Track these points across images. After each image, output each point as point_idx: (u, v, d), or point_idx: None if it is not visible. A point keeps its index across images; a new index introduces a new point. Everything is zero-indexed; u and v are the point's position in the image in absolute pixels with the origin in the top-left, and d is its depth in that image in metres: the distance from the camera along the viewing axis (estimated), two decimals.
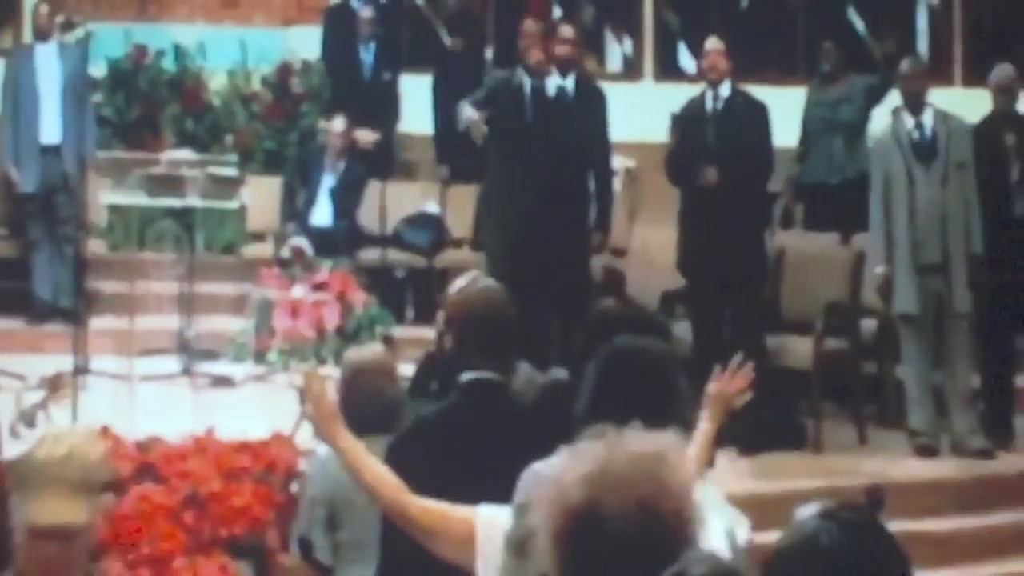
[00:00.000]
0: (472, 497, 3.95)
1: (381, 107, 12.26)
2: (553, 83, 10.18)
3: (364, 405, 5.76)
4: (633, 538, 2.62)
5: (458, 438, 4.51)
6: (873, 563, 2.58)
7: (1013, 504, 9.13)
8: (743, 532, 4.02)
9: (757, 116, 9.68)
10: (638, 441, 2.71)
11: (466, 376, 4.58)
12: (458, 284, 4.74)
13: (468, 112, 10.04)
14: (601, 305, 5.27)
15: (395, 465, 4.23)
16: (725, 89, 9.69)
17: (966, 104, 10.52)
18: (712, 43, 9.81)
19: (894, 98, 10.01)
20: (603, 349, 3.71)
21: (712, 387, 4.61)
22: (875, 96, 11.18)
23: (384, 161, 12.12)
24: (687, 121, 9.90)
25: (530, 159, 9.94)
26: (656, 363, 3.64)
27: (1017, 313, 9.79)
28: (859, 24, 13.21)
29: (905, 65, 10.00)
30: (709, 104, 9.69)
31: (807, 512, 2.66)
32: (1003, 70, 10.17)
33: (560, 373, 6.53)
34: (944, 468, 9.39)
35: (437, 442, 4.52)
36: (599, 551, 2.63)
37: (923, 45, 13.47)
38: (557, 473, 2.69)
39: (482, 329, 4.57)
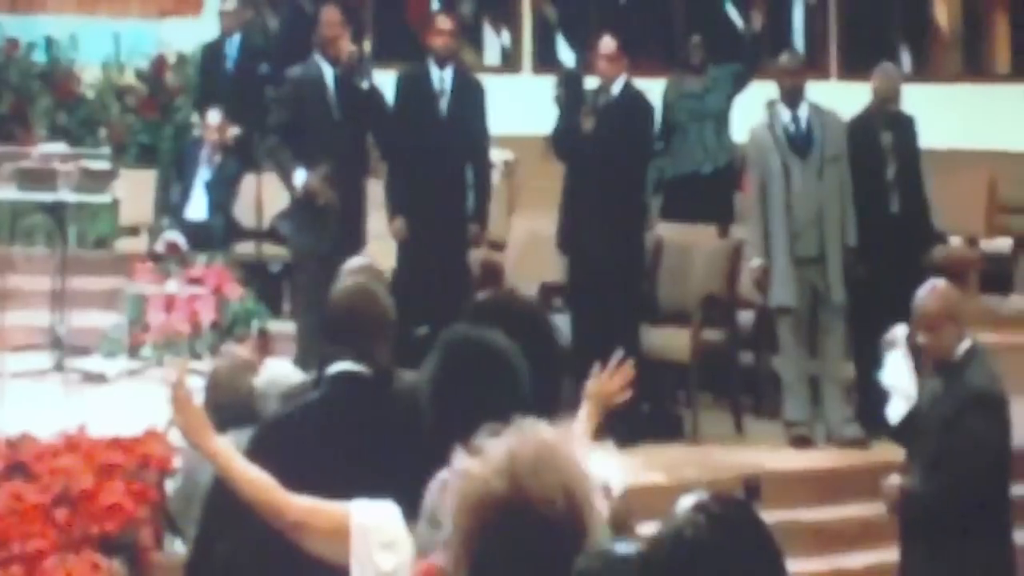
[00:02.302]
0: (339, 490, 3.92)
1: (247, 101, 12.02)
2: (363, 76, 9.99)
3: (222, 399, 5.81)
4: (558, 522, 2.65)
5: (323, 431, 4.51)
6: (740, 555, 2.57)
7: None
8: (617, 482, 3.94)
9: (640, 114, 9.75)
10: (541, 431, 2.72)
11: (333, 368, 4.57)
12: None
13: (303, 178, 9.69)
14: (480, 295, 5.26)
15: (261, 455, 4.20)
16: (617, 87, 9.73)
17: (842, 97, 10.58)
18: (604, 45, 9.79)
19: (768, 91, 10.06)
20: (441, 340, 3.68)
21: (591, 385, 4.58)
22: (741, 81, 11.24)
23: (249, 156, 11.91)
24: (572, 103, 9.93)
25: (339, 150, 9.79)
26: (495, 353, 3.61)
27: (890, 304, 9.86)
28: (736, 18, 13.28)
29: (783, 59, 10.06)
30: (601, 99, 9.73)
31: (684, 504, 2.66)
32: (887, 71, 10.21)
33: None
34: (819, 458, 9.48)
35: (303, 434, 4.53)
36: (527, 537, 2.64)
37: (799, 39, 13.57)
38: (466, 470, 2.67)
39: (345, 322, 4.58)
